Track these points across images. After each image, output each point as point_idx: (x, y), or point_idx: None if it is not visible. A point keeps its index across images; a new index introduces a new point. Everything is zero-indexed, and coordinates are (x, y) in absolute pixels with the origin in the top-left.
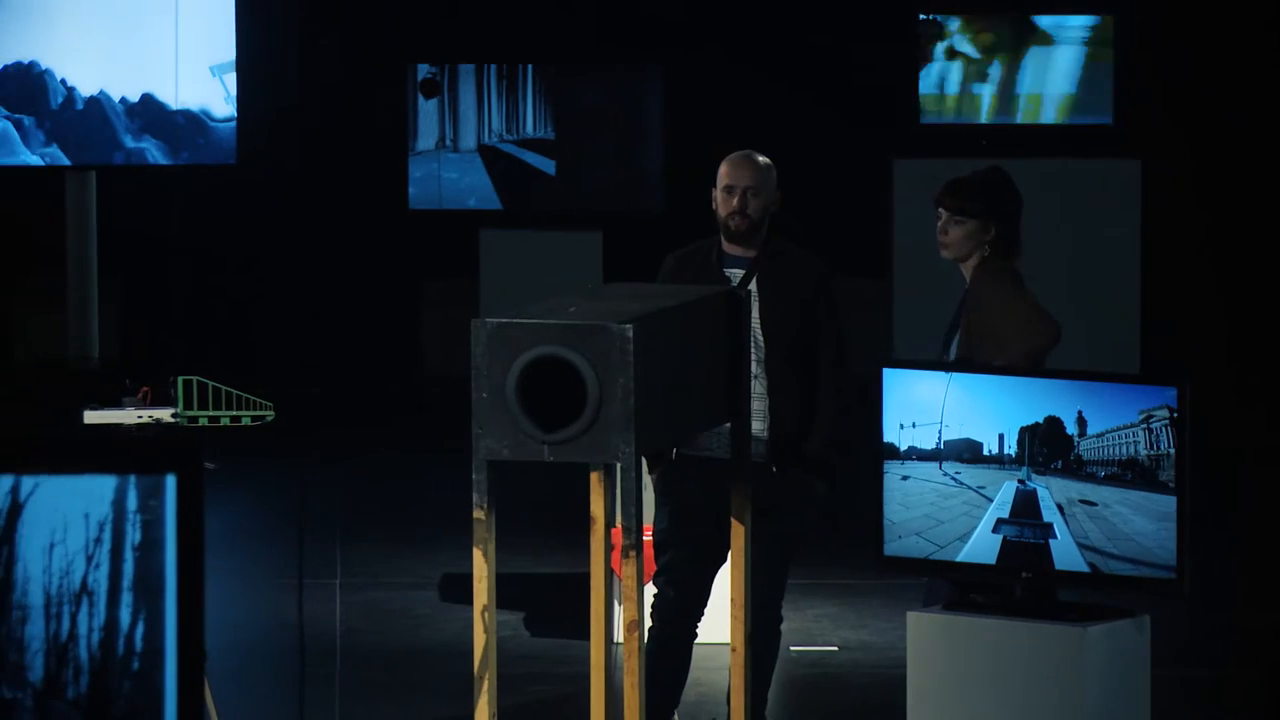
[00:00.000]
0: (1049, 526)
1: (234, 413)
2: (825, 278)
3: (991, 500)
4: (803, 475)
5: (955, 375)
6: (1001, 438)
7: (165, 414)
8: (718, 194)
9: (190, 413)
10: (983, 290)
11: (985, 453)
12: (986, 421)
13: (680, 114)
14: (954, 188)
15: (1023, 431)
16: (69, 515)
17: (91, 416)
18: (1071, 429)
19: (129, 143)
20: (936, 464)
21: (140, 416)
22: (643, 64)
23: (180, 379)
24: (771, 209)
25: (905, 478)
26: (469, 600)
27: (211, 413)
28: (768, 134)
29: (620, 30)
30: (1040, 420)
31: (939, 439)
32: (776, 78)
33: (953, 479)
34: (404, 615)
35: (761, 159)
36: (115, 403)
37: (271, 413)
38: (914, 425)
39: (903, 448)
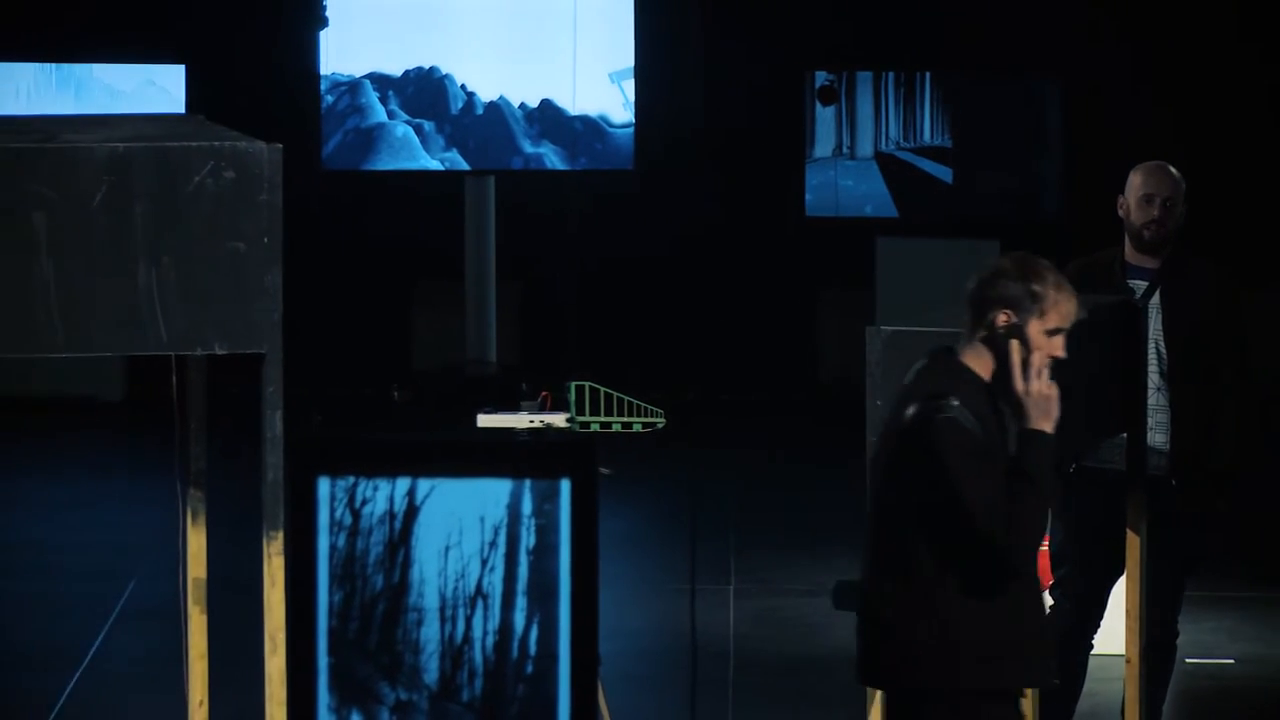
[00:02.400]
0: None
1: (626, 419)
2: (1230, 288)
3: None
4: (1204, 490)
5: None
6: None
7: (558, 419)
8: (1130, 203)
9: (583, 418)
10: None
11: None
12: None
13: (1078, 123)
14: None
15: None
16: (464, 519)
17: (485, 420)
18: None
19: (527, 148)
20: None
21: (532, 421)
22: (1040, 73)
23: (573, 384)
24: (1181, 221)
25: None
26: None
27: (604, 418)
28: (1166, 145)
29: (1017, 39)
30: None
31: None
32: (1175, 87)
33: None
34: (797, 622)
35: (1174, 170)
36: (512, 407)
37: (663, 419)
38: None
39: None
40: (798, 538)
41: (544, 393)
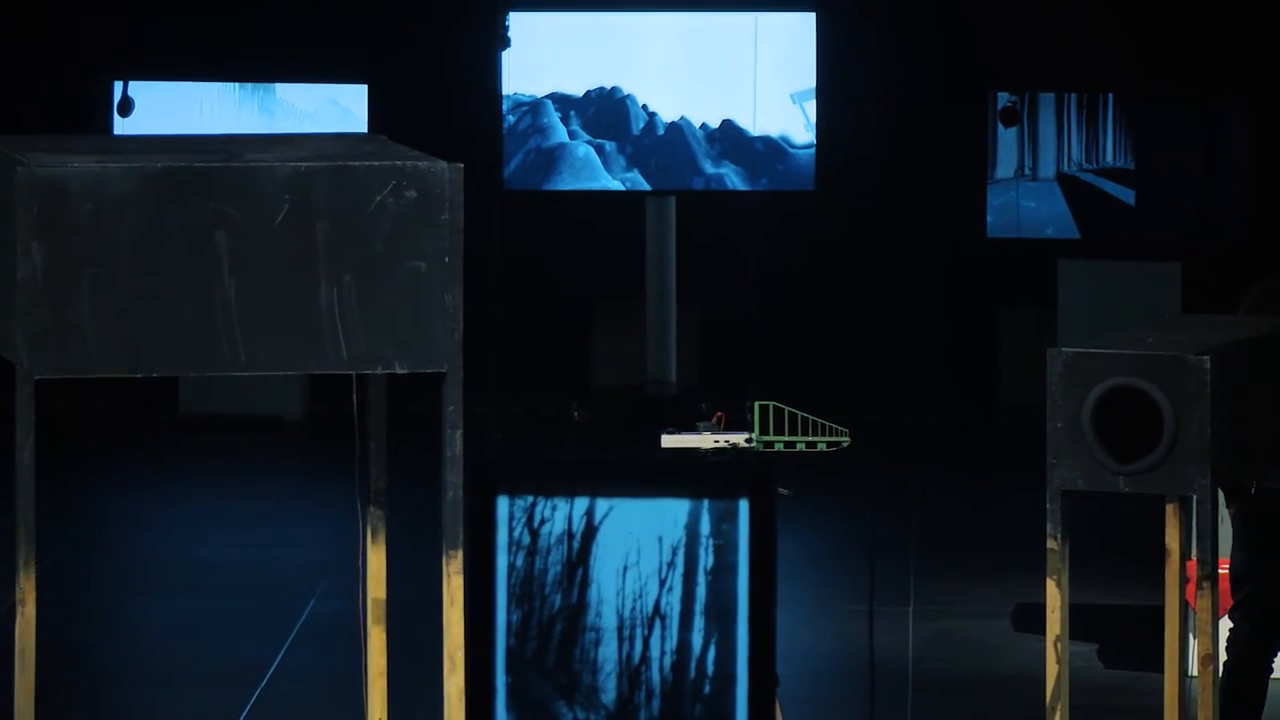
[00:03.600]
0: None
1: (810, 438)
2: None
3: None
4: None
5: None
6: None
7: (741, 439)
8: None
9: (766, 438)
10: None
11: None
12: None
13: (1262, 144)
14: None
15: None
16: (642, 538)
17: (668, 441)
18: None
19: (708, 168)
20: None
21: (717, 441)
22: (1224, 94)
23: (756, 404)
24: None
25: None
26: (1042, 630)
27: (787, 438)
28: None
29: (1201, 60)
30: None
31: None
32: None
33: None
34: (976, 644)
35: None
36: (691, 427)
37: (847, 438)
38: None
39: None
40: (977, 559)
41: (719, 413)
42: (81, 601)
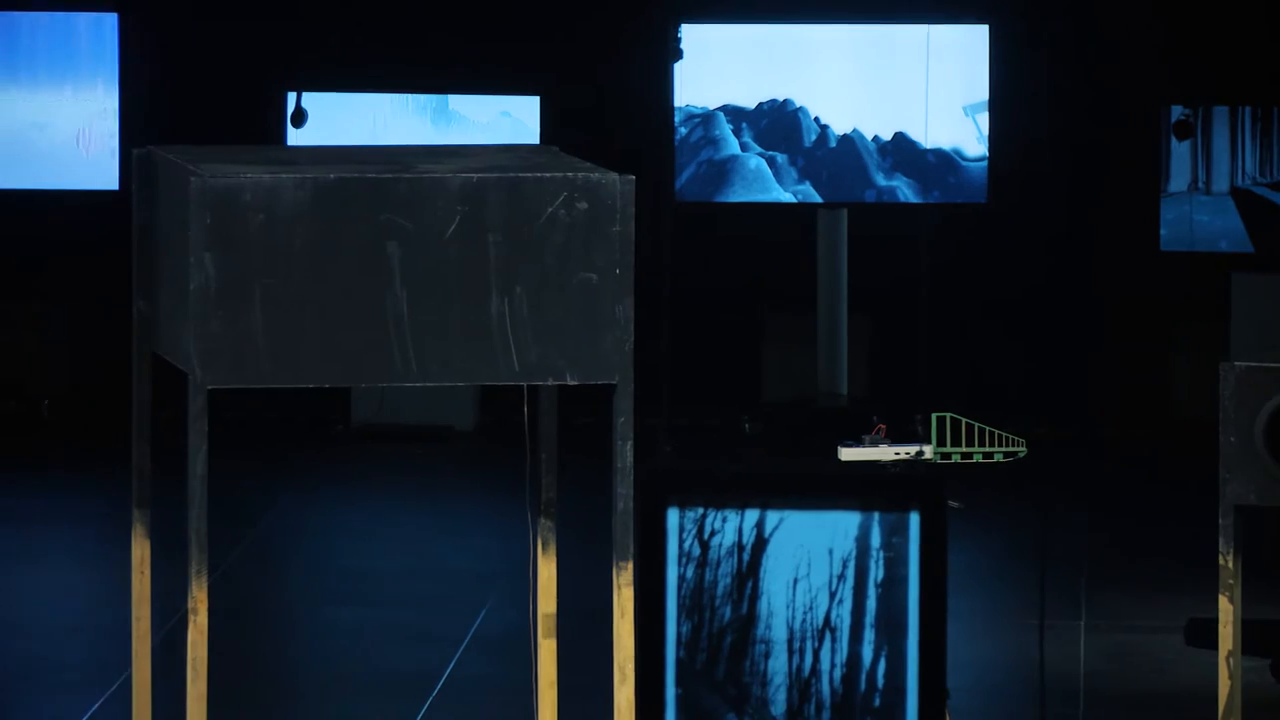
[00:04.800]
0: None
1: (986, 449)
2: None
3: None
4: None
5: None
6: None
7: (922, 450)
8: None
9: (943, 449)
10: None
11: None
12: None
13: None
14: None
15: None
16: (813, 550)
17: (847, 454)
18: None
19: (880, 181)
20: None
21: (897, 454)
22: None
23: (934, 415)
24: None
25: None
26: (1214, 646)
27: (964, 449)
28: None
29: None
30: None
31: None
32: None
33: None
34: (1148, 659)
35: None
36: (857, 439)
37: (1024, 449)
38: None
39: None
40: (1149, 573)
41: (880, 425)
42: (253, 611)
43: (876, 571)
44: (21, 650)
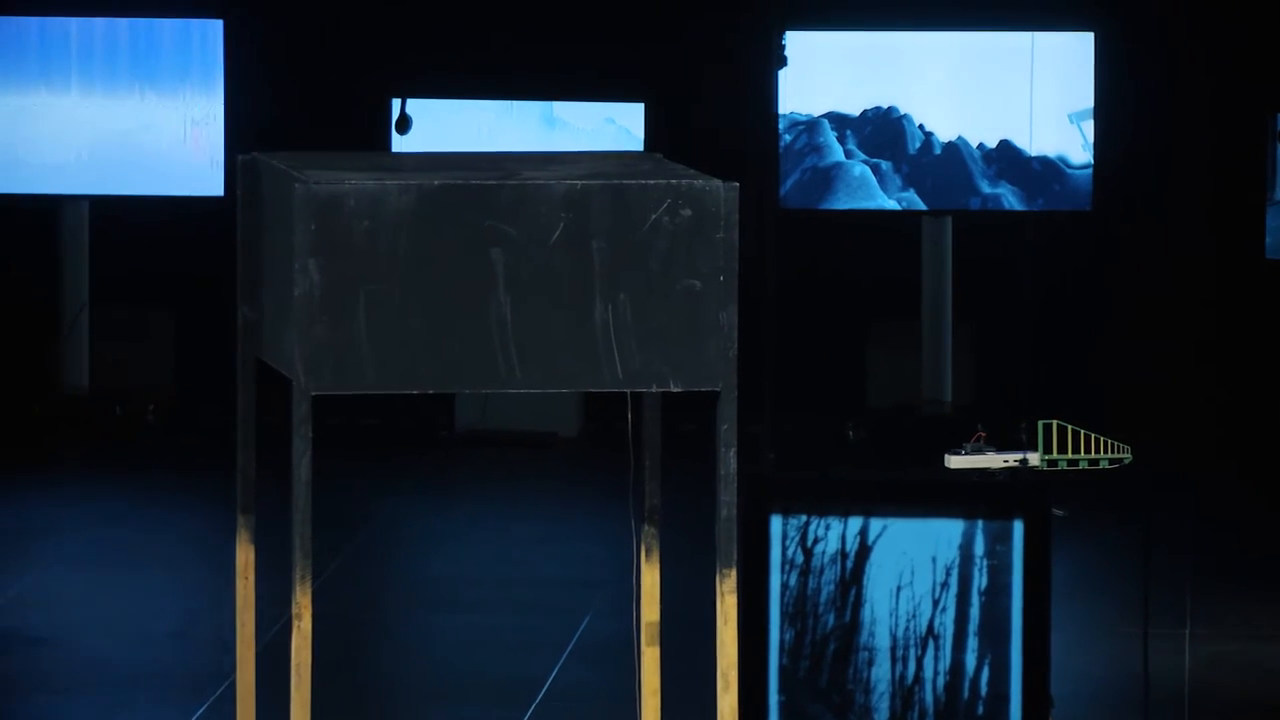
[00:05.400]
0: None
1: (1091, 456)
2: None
3: None
4: None
5: None
6: None
7: (1031, 458)
8: None
9: (1049, 456)
10: None
11: None
12: None
13: None
14: None
15: None
16: (916, 559)
17: (955, 461)
18: None
19: (985, 188)
20: None
21: (1006, 461)
22: None
23: (1040, 422)
24: None
25: None
26: None
27: (1069, 456)
28: None
29: None
30: None
31: None
32: None
33: None
34: (1255, 667)
35: None
36: (957, 448)
37: (1129, 456)
38: None
39: None
40: (1258, 580)
41: (980, 433)
42: (357, 616)
43: (980, 579)
44: (127, 655)
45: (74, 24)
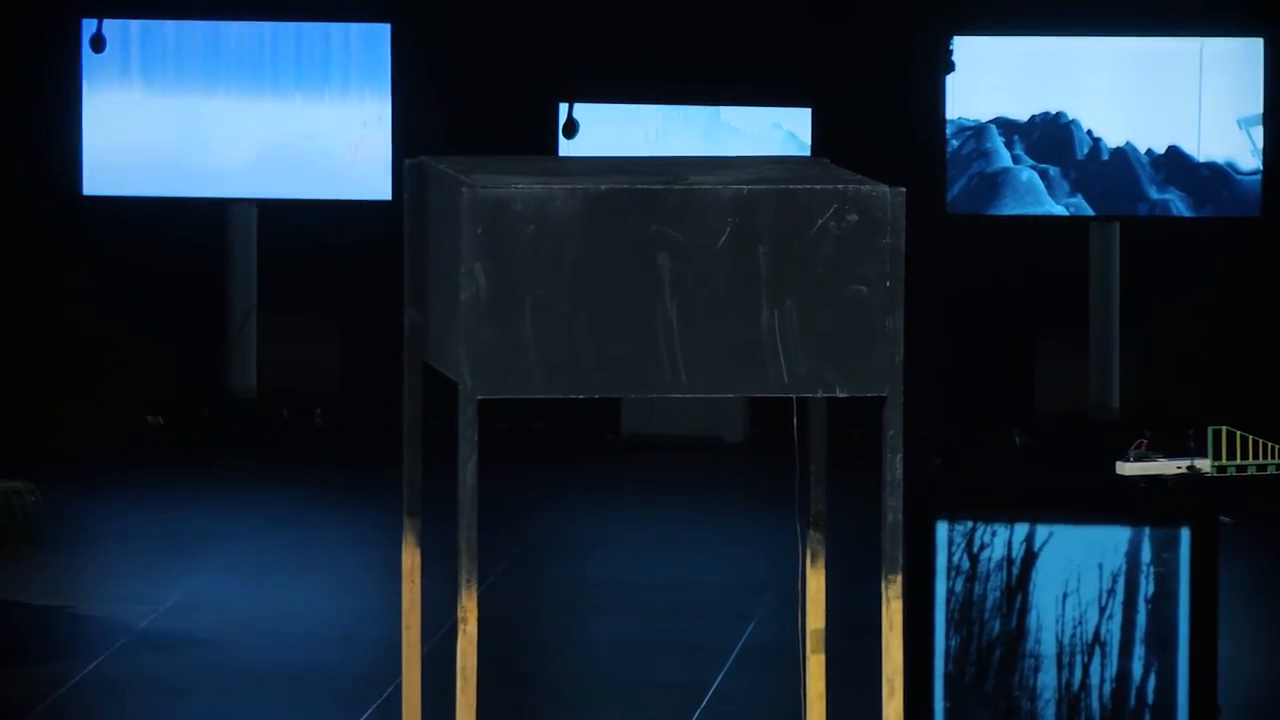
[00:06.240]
0: None
1: (1261, 462)
2: None
3: None
4: None
5: None
6: None
7: (1195, 464)
8: None
9: (1219, 463)
10: None
11: None
12: None
13: None
14: None
15: None
16: (1082, 565)
17: (1126, 468)
18: None
19: (1153, 194)
20: None
21: (1179, 468)
22: None
23: (1209, 429)
24: None
25: None
26: None
27: (1239, 462)
28: None
29: None
30: None
31: None
32: None
33: None
34: None
35: None
36: (1126, 454)
37: None
38: None
39: None
40: None
41: (1142, 439)
42: (522, 621)
43: (1147, 586)
44: (295, 658)
45: (243, 28)
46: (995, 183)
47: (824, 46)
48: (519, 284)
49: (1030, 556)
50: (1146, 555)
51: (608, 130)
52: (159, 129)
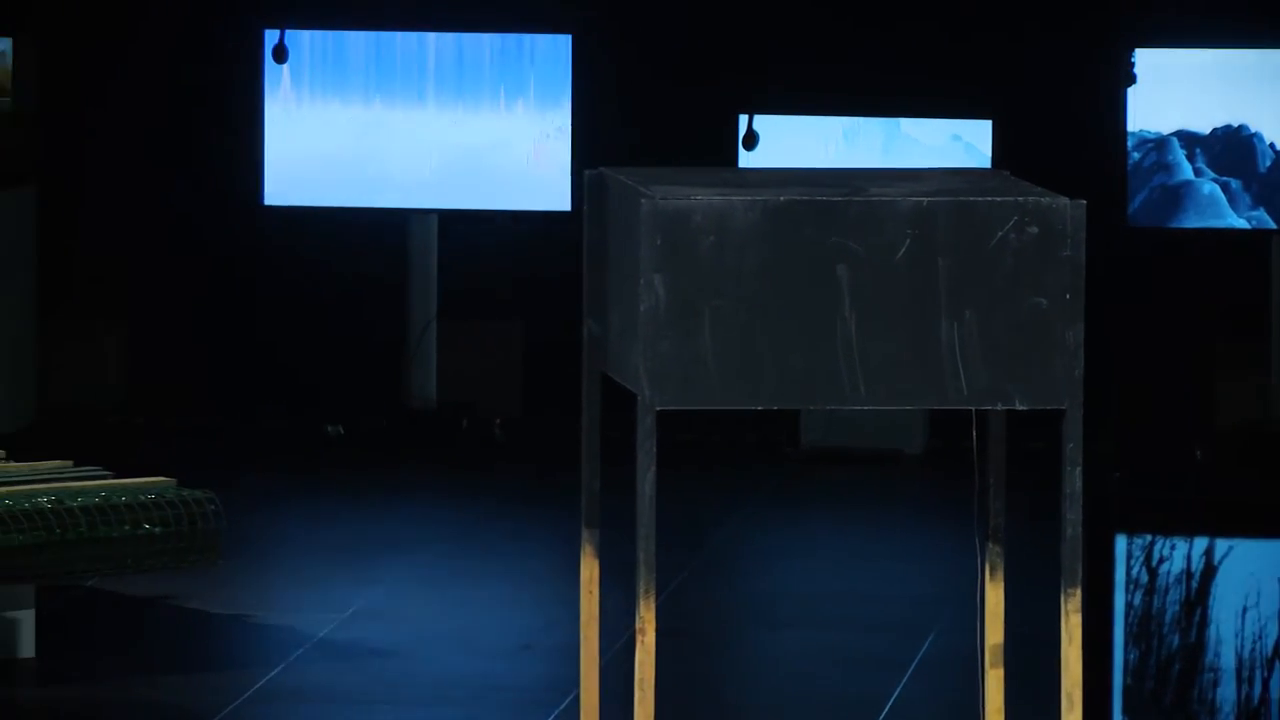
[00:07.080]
0: None
1: None
2: None
3: None
4: None
5: None
6: None
7: None
8: None
9: None
10: None
11: None
12: None
13: None
14: None
15: None
16: (1263, 579)
17: None
18: None
19: None
20: None
21: None
22: None
23: None
24: None
25: None
26: None
27: None
28: None
29: None
30: None
31: None
32: None
33: None
34: None
35: None
36: None
37: None
38: None
39: None
40: None
41: None
42: (699, 632)
43: None
44: (475, 668)
45: (422, 38)
46: (1177, 195)
47: (1005, 59)
48: (698, 295)
49: (1210, 570)
50: None
51: (788, 142)
52: (339, 139)
